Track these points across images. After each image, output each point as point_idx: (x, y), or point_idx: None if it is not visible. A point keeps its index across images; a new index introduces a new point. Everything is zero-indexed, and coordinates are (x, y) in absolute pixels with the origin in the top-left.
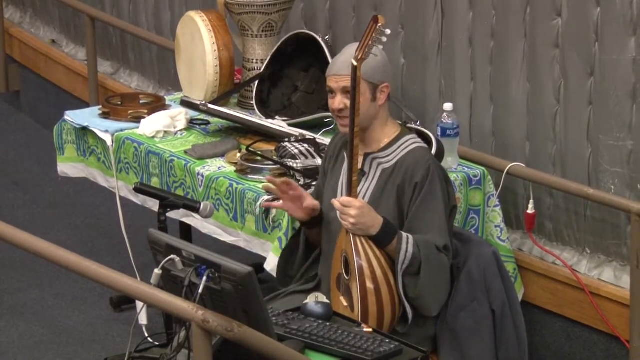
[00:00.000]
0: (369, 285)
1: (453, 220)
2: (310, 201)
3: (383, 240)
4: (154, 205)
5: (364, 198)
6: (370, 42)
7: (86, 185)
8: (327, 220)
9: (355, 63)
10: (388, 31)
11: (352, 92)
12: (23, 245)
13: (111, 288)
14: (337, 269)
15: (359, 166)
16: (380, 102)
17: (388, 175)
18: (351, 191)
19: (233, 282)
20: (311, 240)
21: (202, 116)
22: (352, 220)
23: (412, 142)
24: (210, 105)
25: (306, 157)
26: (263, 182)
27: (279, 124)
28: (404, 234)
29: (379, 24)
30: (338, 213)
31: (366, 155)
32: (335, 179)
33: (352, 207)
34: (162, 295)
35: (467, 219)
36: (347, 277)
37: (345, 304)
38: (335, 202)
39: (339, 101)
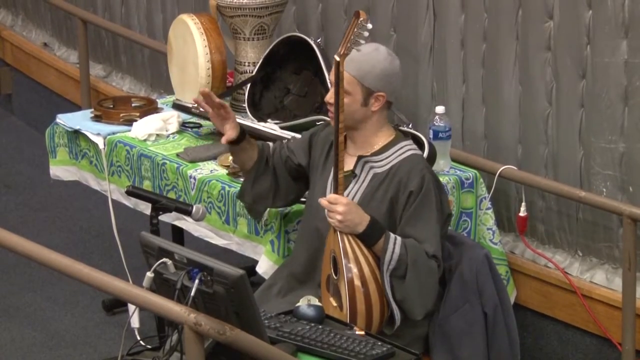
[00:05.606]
0: (357, 283)
1: (447, 229)
2: (231, 132)
3: (370, 238)
4: (146, 208)
5: (353, 200)
6: (352, 37)
7: (78, 189)
8: (317, 219)
9: (337, 58)
10: (369, 26)
11: (336, 87)
12: (15, 248)
13: (103, 291)
14: (326, 270)
15: (351, 168)
16: (373, 109)
17: (380, 180)
18: (337, 188)
19: (225, 285)
20: (241, 157)
21: (194, 119)
22: (339, 217)
23: (407, 149)
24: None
25: None
26: None
27: (270, 127)
28: (392, 235)
29: (361, 19)
30: (326, 211)
31: (359, 158)
32: (325, 178)
33: (339, 204)
34: (154, 298)
35: (459, 221)
36: (335, 277)
37: (334, 304)
38: (323, 201)
39: (330, 94)
